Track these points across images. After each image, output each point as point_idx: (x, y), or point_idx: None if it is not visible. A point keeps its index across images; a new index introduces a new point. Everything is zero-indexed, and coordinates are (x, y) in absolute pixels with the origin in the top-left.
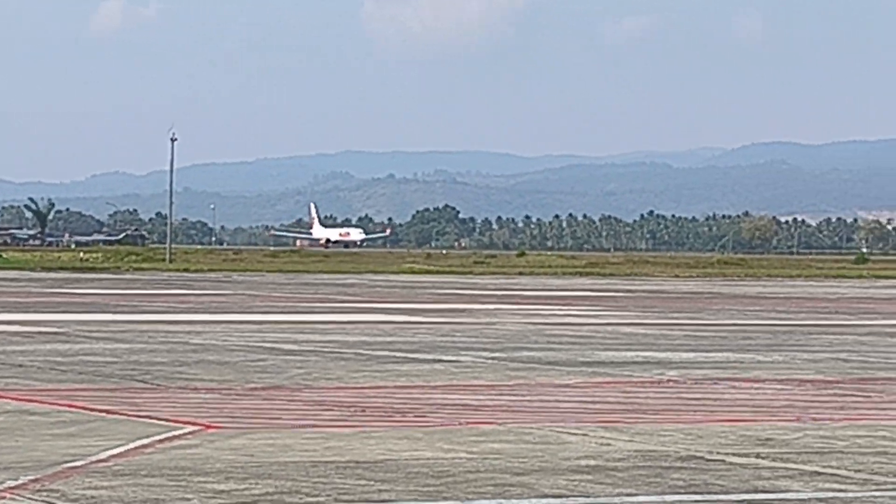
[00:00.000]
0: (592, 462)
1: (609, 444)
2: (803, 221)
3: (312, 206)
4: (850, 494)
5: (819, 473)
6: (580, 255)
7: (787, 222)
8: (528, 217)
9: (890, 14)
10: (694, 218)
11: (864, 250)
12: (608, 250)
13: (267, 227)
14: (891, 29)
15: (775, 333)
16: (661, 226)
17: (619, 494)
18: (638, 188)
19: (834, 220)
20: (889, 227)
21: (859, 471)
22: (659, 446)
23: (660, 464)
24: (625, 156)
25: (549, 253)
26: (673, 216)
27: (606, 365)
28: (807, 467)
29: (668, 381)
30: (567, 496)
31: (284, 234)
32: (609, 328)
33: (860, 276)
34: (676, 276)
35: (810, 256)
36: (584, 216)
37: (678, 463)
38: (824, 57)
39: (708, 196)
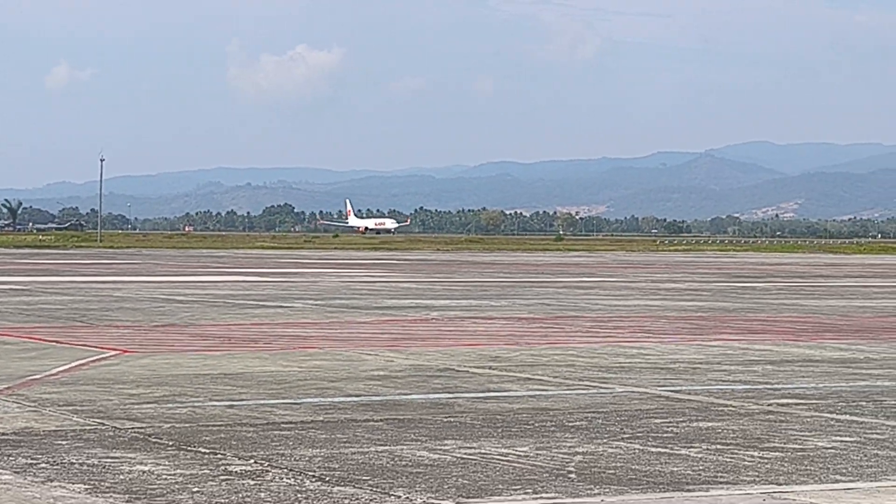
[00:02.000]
0: (381, 373)
1: (392, 361)
2: (521, 213)
3: (347, 201)
4: (550, 391)
5: (530, 379)
6: (375, 237)
7: (510, 214)
8: (340, 212)
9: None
10: (449, 211)
11: (561, 233)
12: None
13: (166, 218)
14: (560, 85)
15: (503, 287)
16: (429, 217)
17: (399, 394)
18: (412, 192)
19: (541, 212)
20: (577, 217)
21: (556, 377)
22: (425, 362)
23: (425, 373)
24: (403, 170)
25: (352, 235)
26: (436, 210)
27: (391, 309)
28: (522, 375)
29: (432, 318)
30: (365, 395)
31: (329, 223)
32: (393, 284)
33: (557, 250)
34: (438, 249)
35: (526, 236)
36: (377, 210)
37: (438, 373)
38: (530, 106)
39: (458, 197)
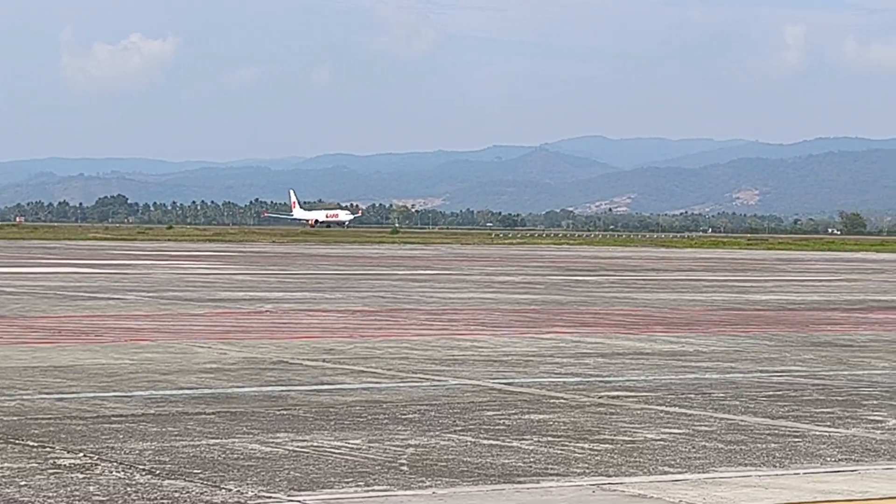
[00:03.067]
0: (214, 365)
1: (225, 354)
2: (358, 206)
3: (291, 192)
4: (384, 384)
5: (364, 371)
6: (209, 227)
7: (347, 206)
8: (174, 202)
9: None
10: (285, 203)
11: (396, 225)
12: (228, 225)
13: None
14: (402, 77)
15: (338, 280)
16: (264, 208)
17: (232, 387)
18: (248, 183)
19: (377, 205)
20: (413, 210)
21: (390, 369)
22: (258, 354)
23: (259, 366)
24: (239, 161)
25: (187, 226)
26: (273, 202)
27: (225, 301)
28: (356, 367)
29: (266, 311)
30: (197, 388)
31: (276, 216)
32: (227, 277)
33: (393, 242)
34: (273, 241)
35: (362, 229)
36: (213, 202)
37: (271, 366)
38: (367, 99)
39: (295, 189)
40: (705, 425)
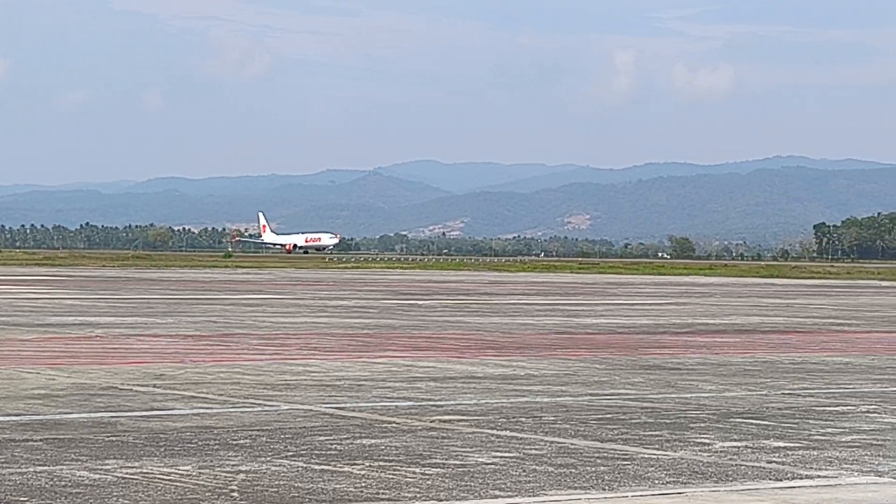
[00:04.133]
0: (42, 391)
1: (54, 380)
2: (189, 230)
3: (261, 215)
4: (215, 409)
5: (195, 397)
6: (38, 251)
7: (179, 230)
8: (2, 226)
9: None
10: (116, 227)
11: (230, 249)
12: (58, 248)
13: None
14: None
15: (169, 304)
16: (95, 232)
17: (60, 413)
18: (78, 207)
19: (210, 229)
20: (247, 234)
21: (221, 395)
22: (88, 380)
23: (88, 392)
24: (69, 185)
25: (16, 250)
26: (103, 226)
27: (54, 326)
28: (187, 393)
29: (96, 336)
30: (25, 414)
31: (247, 240)
32: (56, 301)
33: (226, 267)
34: (104, 265)
35: (194, 253)
36: (42, 225)
37: (100, 391)
38: (199, 122)
39: (126, 213)
40: (536, 448)
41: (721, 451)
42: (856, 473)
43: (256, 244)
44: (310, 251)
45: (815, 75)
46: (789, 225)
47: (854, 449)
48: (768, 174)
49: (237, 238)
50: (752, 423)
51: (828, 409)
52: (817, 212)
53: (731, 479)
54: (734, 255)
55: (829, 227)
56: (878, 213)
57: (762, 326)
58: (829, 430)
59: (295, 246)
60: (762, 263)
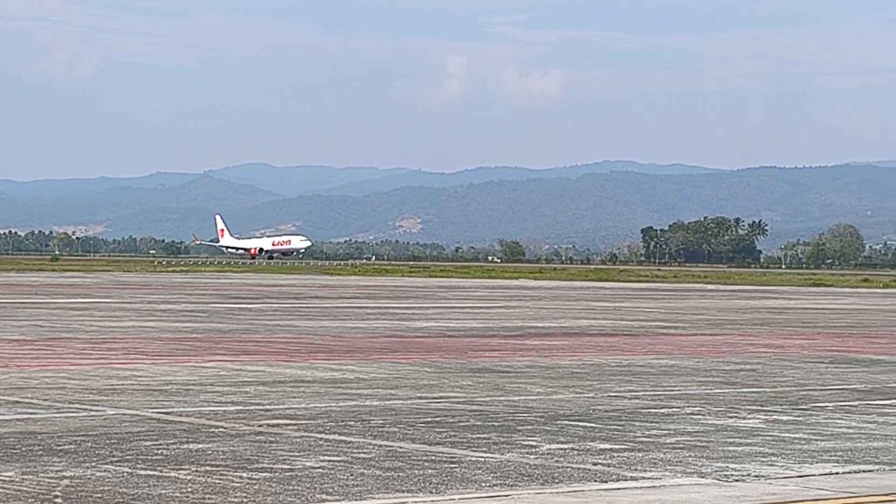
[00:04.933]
0: None
1: None
2: (15, 233)
3: (218, 217)
4: (39, 415)
5: (18, 402)
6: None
7: (4, 233)
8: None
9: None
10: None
11: (57, 253)
12: None
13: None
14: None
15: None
16: (195, 235)
17: None
18: None
19: (36, 231)
20: (74, 237)
21: (46, 399)
22: None
23: None
24: None
25: None
26: None
27: None
28: (10, 398)
29: None
30: None
31: (208, 244)
32: None
33: (53, 270)
34: None
35: (20, 256)
36: None
37: None
38: (25, 124)
39: None
40: (364, 452)
41: (548, 454)
42: (679, 475)
43: (216, 249)
44: (276, 256)
45: (644, 81)
46: (618, 229)
47: (678, 450)
48: (597, 178)
49: (198, 242)
50: (578, 426)
51: (653, 411)
52: (645, 216)
53: (557, 480)
54: (564, 258)
55: (656, 231)
56: (705, 218)
57: (590, 329)
58: (654, 431)
59: (261, 250)
60: (591, 267)
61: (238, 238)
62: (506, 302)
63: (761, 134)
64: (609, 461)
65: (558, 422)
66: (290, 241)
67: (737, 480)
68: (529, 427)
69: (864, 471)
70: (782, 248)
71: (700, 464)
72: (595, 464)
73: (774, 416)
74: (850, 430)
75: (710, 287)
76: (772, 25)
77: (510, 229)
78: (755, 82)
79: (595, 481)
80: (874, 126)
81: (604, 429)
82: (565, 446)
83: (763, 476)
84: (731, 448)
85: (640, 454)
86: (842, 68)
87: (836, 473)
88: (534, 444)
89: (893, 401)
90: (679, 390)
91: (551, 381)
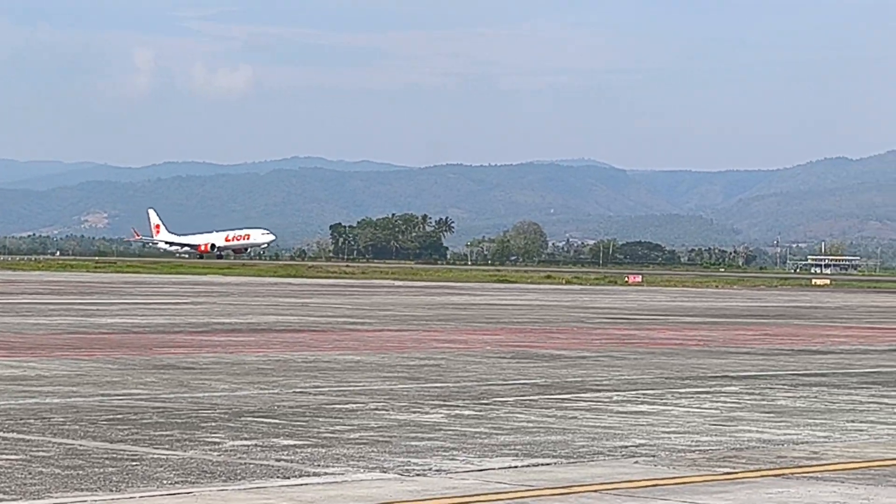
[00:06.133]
0: None
1: None
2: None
3: (152, 212)
4: None
5: None
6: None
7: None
8: None
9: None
10: None
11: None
12: None
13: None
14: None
15: None
16: (135, 231)
17: None
18: None
19: None
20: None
21: None
22: None
23: None
24: None
25: None
26: None
27: None
28: None
29: None
30: None
31: (146, 240)
32: None
33: None
34: None
35: None
36: None
37: None
38: None
39: None
40: (43, 451)
41: (231, 450)
42: (362, 470)
43: (151, 246)
44: (231, 252)
45: (333, 78)
46: (307, 225)
47: (361, 446)
48: (286, 174)
49: (138, 236)
50: (263, 422)
51: (338, 406)
52: (334, 212)
53: (239, 477)
54: (252, 254)
55: (345, 227)
56: (393, 214)
57: (277, 325)
58: (339, 427)
59: (213, 246)
60: (280, 263)
61: (179, 235)
62: (194, 298)
63: (449, 132)
64: (292, 457)
65: (242, 418)
66: (248, 235)
67: (418, 475)
68: (213, 424)
69: (542, 464)
70: (468, 244)
71: (382, 459)
72: (278, 460)
73: (457, 411)
74: (530, 424)
75: (397, 283)
76: (459, 25)
77: (199, 224)
78: (443, 81)
79: (278, 477)
80: (558, 126)
81: (288, 425)
82: (249, 443)
83: (444, 470)
84: (413, 443)
85: (324, 450)
86: (527, 69)
87: (516, 467)
88: (217, 440)
89: (572, 395)
90: (364, 386)
91: (237, 377)
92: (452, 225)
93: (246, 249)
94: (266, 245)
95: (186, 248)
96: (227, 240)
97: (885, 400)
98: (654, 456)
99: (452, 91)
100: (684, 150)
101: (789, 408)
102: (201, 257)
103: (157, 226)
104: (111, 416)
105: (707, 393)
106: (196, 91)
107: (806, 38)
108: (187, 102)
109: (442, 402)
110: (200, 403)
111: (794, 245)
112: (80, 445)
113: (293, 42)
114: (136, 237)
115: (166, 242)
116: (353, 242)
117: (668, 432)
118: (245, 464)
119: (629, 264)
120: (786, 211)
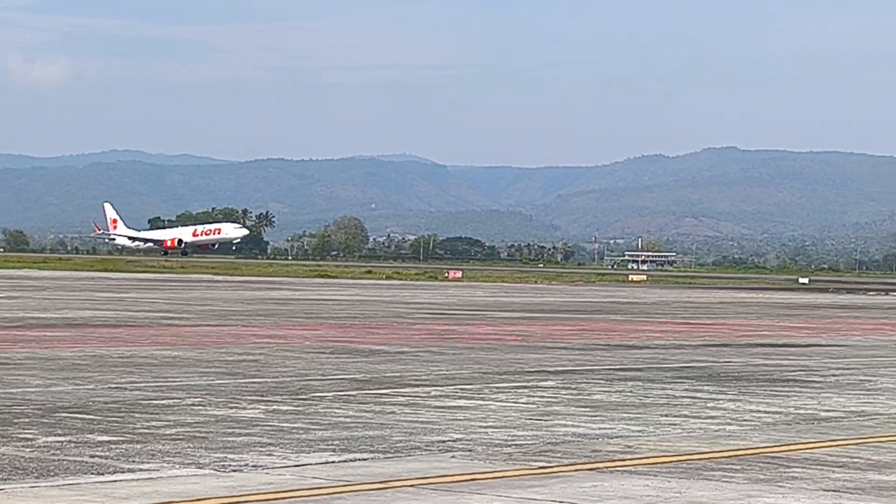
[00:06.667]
0: None
1: None
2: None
3: (108, 206)
4: None
5: None
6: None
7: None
8: None
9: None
10: None
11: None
12: None
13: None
14: None
15: None
16: (96, 224)
17: None
18: None
19: None
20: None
21: None
22: None
23: None
24: None
25: None
26: None
27: None
28: None
29: None
30: None
31: (105, 234)
32: None
33: None
34: None
35: None
36: None
37: None
38: None
39: None
40: None
41: (44, 447)
42: (178, 466)
43: (109, 242)
44: (199, 248)
45: (152, 71)
46: (126, 219)
47: (177, 441)
48: (105, 168)
49: (99, 230)
50: (77, 418)
51: (154, 402)
52: (154, 206)
53: (52, 473)
54: (70, 248)
55: (164, 221)
56: (213, 209)
57: (93, 320)
58: (154, 423)
59: (179, 242)
60: (98, 258)
61: (136, 230)
62: (7, 292)
63: (269, 126)
64: (107, 453)
65: (56, 414)
66: (219, 229)
67: (234, 471)
68: (26, 420)
69: (359, 459)
70: (289, 239)
71: (198, 454)
72: (93, 456)
73: (275, 407)
74: (348, 420)
75: (217, 278)
76: (279, 18)
77: (14, 218)
78: (263, 75)
79: (92, 473)
80: (379, 121)
81: (103, 421)
82: (63, 439)
83: (261, 466)
84: (230, 439)
85: (139, 446)
86: (348, 64)
87: (333, 462)
88: (30, 437)
89: (390, 390)
90: (181, 381)
91: (51, 372)
92: (273, 219)
93: (215, 245)
94: (239, 240)
95: (150, 244)
96: (195, 234)
97: (698, 394)
98: (470, 451)
99: (273, 85)
100: (505, 146)
101: (605, 402)
102: (166, 254)
103: (114, 220)
104: None
105: (524, 388)
106: (11, 82)
107: (623, 36)
108: (3, 94)
109: (260, 398)
110: (13, 399)
111: (612, 241)
112: None
113: (112, 34)
114: (98, 231)
115: (128, 238)
116: None
117: (485, 427)
118: (59, 460)
119: (449, 260)
120: (604, 207)
